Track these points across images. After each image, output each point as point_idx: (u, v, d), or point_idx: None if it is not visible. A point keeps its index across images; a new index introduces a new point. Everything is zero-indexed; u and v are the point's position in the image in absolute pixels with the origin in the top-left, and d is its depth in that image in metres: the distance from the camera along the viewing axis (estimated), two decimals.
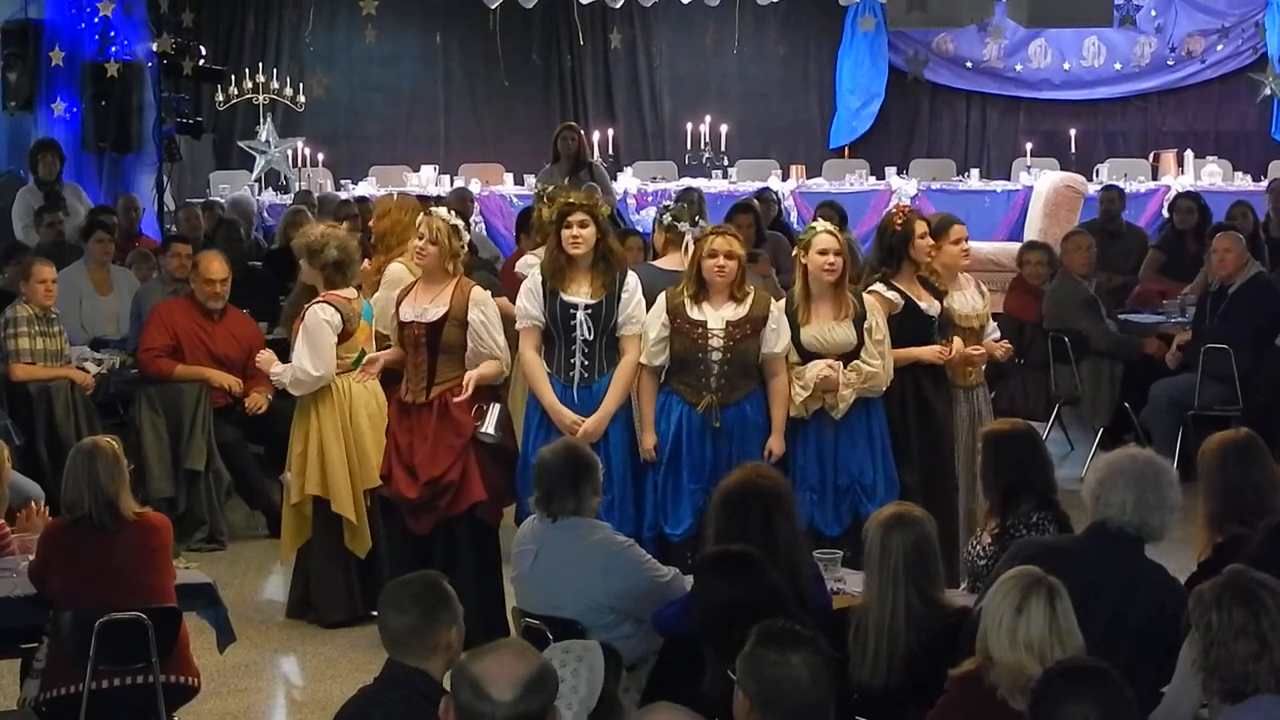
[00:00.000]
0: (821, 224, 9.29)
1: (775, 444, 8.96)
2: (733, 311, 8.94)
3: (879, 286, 9.44)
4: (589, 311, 9.08)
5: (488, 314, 9.16)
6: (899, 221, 9.58)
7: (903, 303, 9.39)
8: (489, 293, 9.37)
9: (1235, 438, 6.95)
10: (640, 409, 9.11)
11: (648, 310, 9.14)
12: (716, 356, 8.90)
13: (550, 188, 10.75)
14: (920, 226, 9.54)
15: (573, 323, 9.08)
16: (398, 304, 9.35)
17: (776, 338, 8.99)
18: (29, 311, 11.61)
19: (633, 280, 9.24)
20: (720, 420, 8.91)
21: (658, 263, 10.02)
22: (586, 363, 9.13)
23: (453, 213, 9.52)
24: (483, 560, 9.24)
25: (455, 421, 9.15)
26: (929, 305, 9.50)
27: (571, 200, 9.28)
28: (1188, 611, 5.03)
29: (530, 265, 10.18)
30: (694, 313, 8.93)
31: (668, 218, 10.09)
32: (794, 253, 9.35)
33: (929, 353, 9.39)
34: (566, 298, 9.11)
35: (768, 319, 8.97)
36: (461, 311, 9.11)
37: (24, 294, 11.68)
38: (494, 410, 9.17)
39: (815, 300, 9.09)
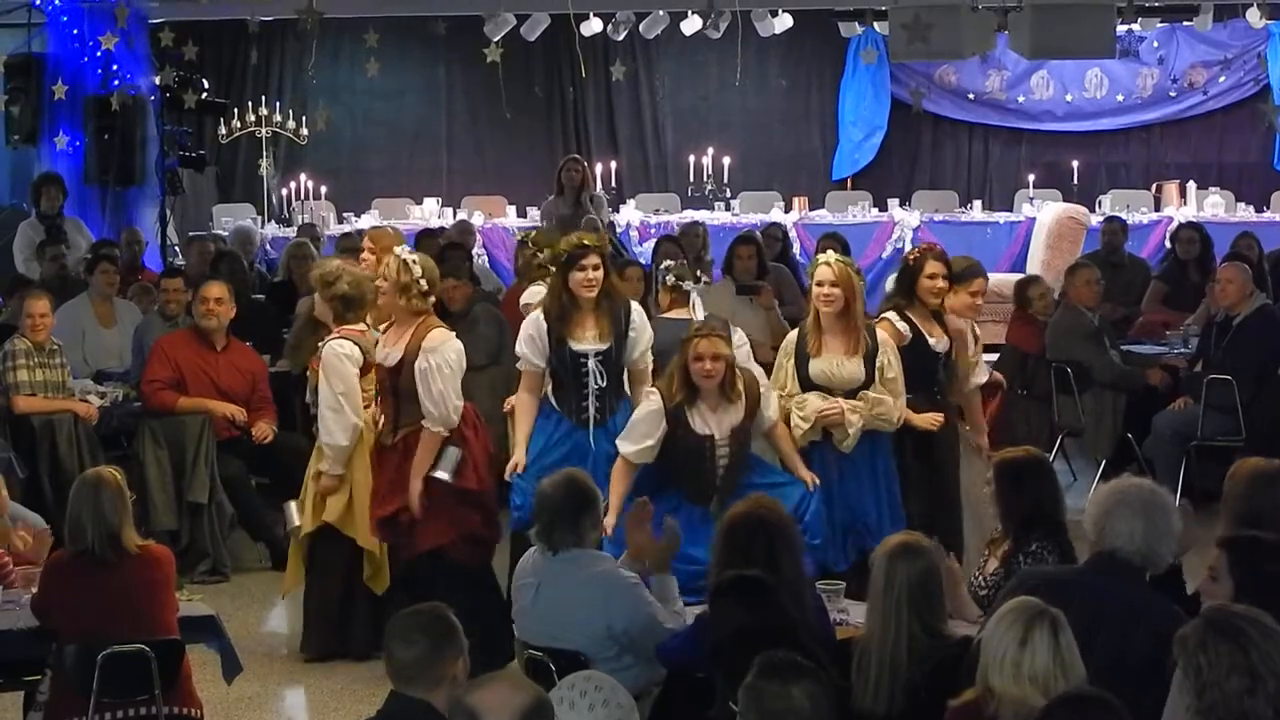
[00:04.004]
0: (824, 255, 9.27)
1: (806, 476, 8.87)
2: (733, 416, 8.69)
3: (891, 315, 9.44)
4: (599, 358, 9.03)
5: (434, 362, 8.92)
6: (913, 255, 9.60)
7: (910, 335, 9.39)
8: (450, 339, 9.12)
9: (1267, 466, 6.98)
10: (611, 492, 8.59)
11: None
12: (724, 462, 8.68)
13: (533, 234, 10.74)
14: (931, 266, 9.52)
15: (584, 371, 9.02)
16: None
17: (769, 408, 8.88)
18: (27, 344, 11.61)
19: (638, 315, 9.20)
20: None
21: (667, 315, 10.01)
22: (599, 404, 9.06)
23: (405, 248, 9.30)
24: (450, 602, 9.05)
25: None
26: (937, 341, 9.48)
27: (586, 242, 9.18)
28: (1173, 657, 4.98)
29: (537, 295, 10.14)
30: (697, 424, 8.63)
31: (671, 278, 10.07)
32: (809, 285, 9.30)
33: (922, 420, 9.36)
34: (576, 346, 9.02)
35: (760, 399, 8.81)
36: (414, 357, 8.95)
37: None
38: (448, 453, 9.00)
39: (826, 332, 9.06)
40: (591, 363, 9.02)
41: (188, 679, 7.64)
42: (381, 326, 9.44)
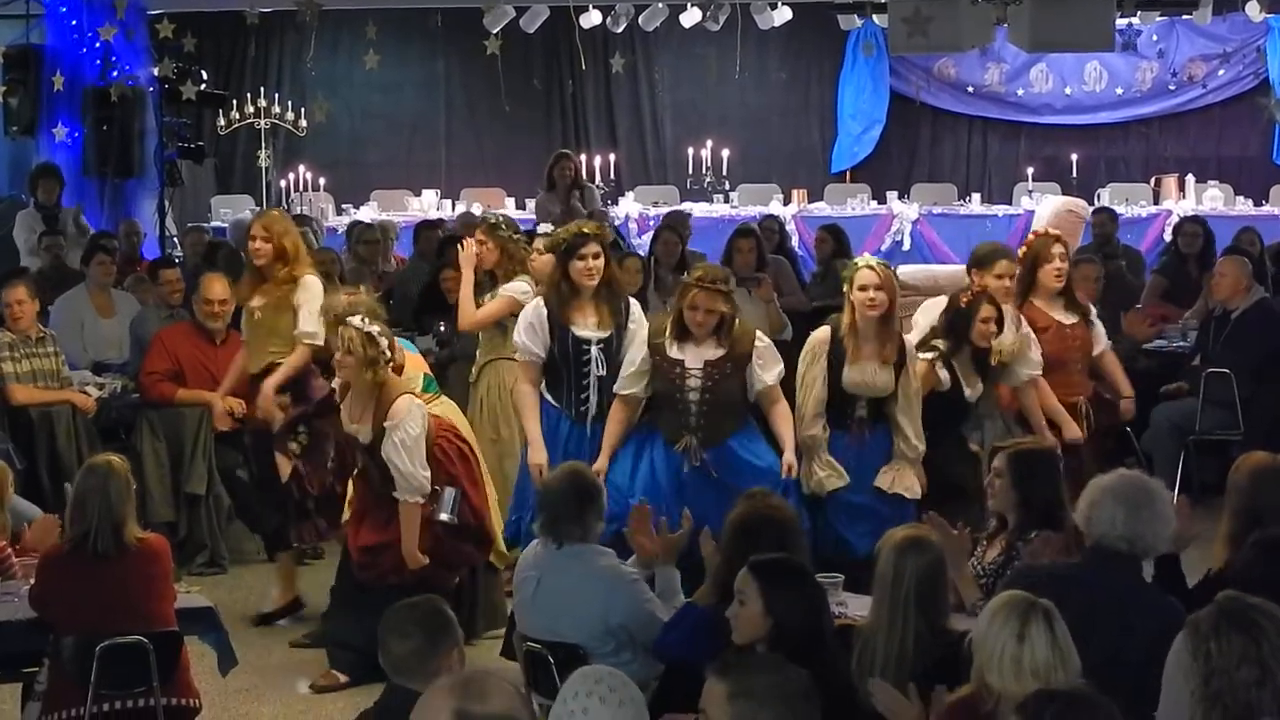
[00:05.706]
0: (864, 259, 9.09)
1: (790, 458, 8.76)
2: (713, 351, 8.69)
3: (930, 356, 9.25)
4: (601, 346, 9.01)
5: (396, 440, 8.65)
6: (965, 299, 9.42)
7: (949, 385, 9.22)
8: (409, 408, 8.74)
9: (1271, 462, 6.98)
10: (606, 432, 8.83)
11: None
12: (694, 396, 8.66)
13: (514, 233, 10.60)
14: (985, 310, 9.37)
15: (585, 358, 8.99)
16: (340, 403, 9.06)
17: (764, 370, 8.79)
18: (10, 338, 11.56)
19: (637, 310, 9.18)
20: (700, 459, 8.68)
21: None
22: (599, 398, 9.04)
23: (366, 320, 8.78)
24: None
25: None
26: (972, 393, 9.38)
27: (585, 230, 9.15)
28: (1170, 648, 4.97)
29: (523, 292, 10.02)
30: (673, 351, 8.68)
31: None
32: (843, 288, 9.03)
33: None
34: (578, 333, 9.00)
35: (752, 354, 8.76)
36: (383, 436, 8.71)
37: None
38: (447, 494, 8.87)
39: (861, 339, 8.89)
40: (594, 350, 9.01)
41: (186, 670, 7.63)
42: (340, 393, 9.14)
